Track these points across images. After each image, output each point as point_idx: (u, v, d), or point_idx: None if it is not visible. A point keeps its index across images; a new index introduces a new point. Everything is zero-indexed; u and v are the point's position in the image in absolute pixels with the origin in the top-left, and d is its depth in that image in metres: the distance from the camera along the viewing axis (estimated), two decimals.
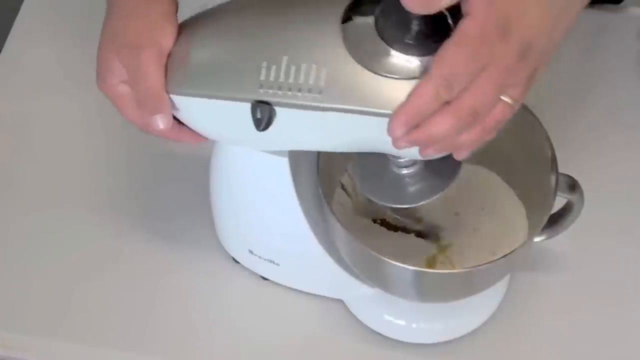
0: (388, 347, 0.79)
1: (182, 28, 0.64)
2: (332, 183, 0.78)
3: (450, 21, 0.57)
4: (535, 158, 0.72)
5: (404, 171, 0.68)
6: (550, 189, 0.71)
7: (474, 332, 0.79)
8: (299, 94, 0.58)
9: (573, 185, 0.72)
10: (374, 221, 0.76)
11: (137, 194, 0.88)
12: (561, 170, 0.71)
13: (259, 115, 0.60)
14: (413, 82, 0.56)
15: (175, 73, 0.63)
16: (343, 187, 0.79)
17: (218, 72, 0.62)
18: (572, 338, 0.80)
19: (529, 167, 0.73)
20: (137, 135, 0.91)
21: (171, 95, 0.63)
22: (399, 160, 0.67)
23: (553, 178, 0.71)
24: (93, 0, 1.02)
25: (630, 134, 0.92)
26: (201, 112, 0.64)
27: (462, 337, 0.79)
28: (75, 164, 0.90)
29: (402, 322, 0.79)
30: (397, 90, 0.57)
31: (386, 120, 0.57)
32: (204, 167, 0.78)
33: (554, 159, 0.71)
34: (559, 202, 0.72)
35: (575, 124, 0.92)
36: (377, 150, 0.65)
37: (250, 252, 0.79)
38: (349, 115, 0.58)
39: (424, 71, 0.57)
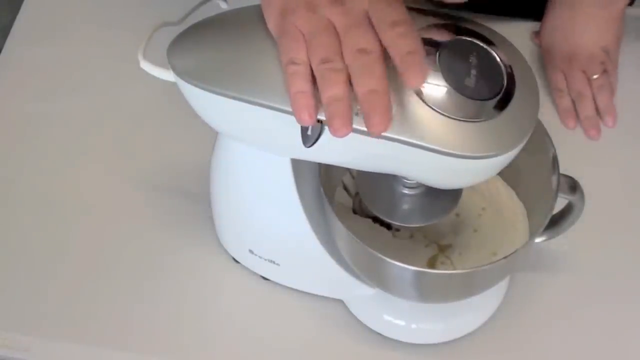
0: (388, 347, 0.79)
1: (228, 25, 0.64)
2: (333, 182, 0.78)
3: (504, 68, 0.61)
4: (536, 159, 0.72)
5: (409, 192, 0.70)
6: (552, 190, 0.71)
7: (474, 332, 0.79)
8: (357, 117, 0.58)
9: (574, 186, 0.72)
10: (375, 221, 0.76)
11: (137, 194, 0.88)
12: (562, 171, 0.71)
13: (309, 132, 0.60)
14: (468, 124, 0.58)
15: (226, 76, 0.62)
16: (344, 187, 0.79)
17: (269, 82, 0.61)
18: (572, 338, 0.80)
19: (530, 167, 0.73)
20: (138, 135, 0.92)
21: (211, 95, 0.63)
22: (406, 181, 0.69)
23: (554, 179, 0.71)
24: (93, 1, 1.03)
25: (631, 135, 0.92)
26: (243, 116, 0.64)
27: (462, 337, 0.79)
28: (75, 165, 0.90)
29: (401, 323, 0.79)
30: (452, 130, 0.58)
31: (438, 157, 0.58)
32: (205, 166, 0.78)
33: (555, 160, 0.71)
34: (559, 203, 0.72)
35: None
36: (401, 175, 0.67)
37: (251, 252, 0.79)
38: (400, 145, 0.59)
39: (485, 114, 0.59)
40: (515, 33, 0.70)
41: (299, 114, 0.58)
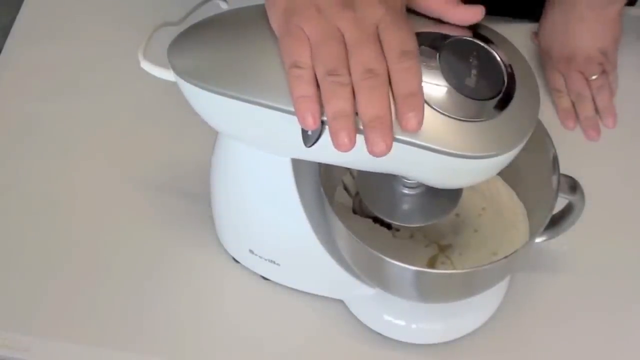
0: (388, 347, 0.79)
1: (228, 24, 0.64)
2: (333, 182, 0.78)
3: (504, 68, 0.61)
4: (536, 159, 0.72)
5: (409, 192, 0.70)
6: (552, 190, 0.71)
7: (474, 332, 0.79)
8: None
9: (574, 186, 0.72)
10: (375, 221, 0.76)
11: (137, 194, 0.88)
12: (562, 171, 0.71)
13: (309, 132, 0.60)
14: (469, 123, 0.58)
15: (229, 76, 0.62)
16: (344, 187, 0.79)
17: (269, 82, 0.61)
18: (572, 338, 0.80)
19: (530, 167, 0.73)
20: (138, 135, 0.92)
21: (211, 94, 0.62)
22: (407, 181, 0.69)
23: (554, 179, 0.71)
24: (93, 1, 1.03)
25: (631, 135, 0.92)
26: (243, 116, 0.64)
27: (462, 337, 0.79)
28: (75, 164, 0.90)
29: (402, 323, 0.79)
30: (453, 130, 0.58)
31: (438, 156, 0.59)
32: (205, 166, 0.78)
33: (555, 160, 0.71)
34: (559, 203, 0.72)
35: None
36: (401, 174, 0.67)
37: (251, 252, 0.79)
38: (400, 145, 0.59)
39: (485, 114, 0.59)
40: (515, 33, 0.70)
41: (303, 118, 0.58)
